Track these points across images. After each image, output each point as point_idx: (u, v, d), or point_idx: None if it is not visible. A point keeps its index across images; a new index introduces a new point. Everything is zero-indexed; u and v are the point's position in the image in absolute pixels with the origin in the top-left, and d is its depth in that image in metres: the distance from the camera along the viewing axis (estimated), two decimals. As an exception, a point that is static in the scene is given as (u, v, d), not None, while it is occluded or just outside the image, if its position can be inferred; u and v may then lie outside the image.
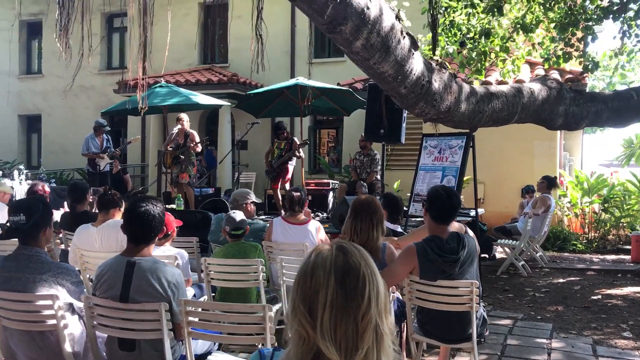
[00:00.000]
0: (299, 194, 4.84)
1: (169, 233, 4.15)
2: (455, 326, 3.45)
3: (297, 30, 14.98)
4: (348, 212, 3.61)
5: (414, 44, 4.07)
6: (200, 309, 2.78)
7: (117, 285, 2.75)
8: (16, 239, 2.93)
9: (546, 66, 9.34)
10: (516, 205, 10.59)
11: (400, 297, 3.84)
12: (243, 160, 14.71)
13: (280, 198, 9.07)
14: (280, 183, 9.29)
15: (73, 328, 2.91)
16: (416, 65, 4.18)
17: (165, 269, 2.80)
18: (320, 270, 1.28)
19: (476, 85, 5.83)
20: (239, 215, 4.19)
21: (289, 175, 9.39)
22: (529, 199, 8.80)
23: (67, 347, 2.85)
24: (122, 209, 4.39)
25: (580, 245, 9.88)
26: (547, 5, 8.47)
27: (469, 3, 8.12)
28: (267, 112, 11.21)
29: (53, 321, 2.82)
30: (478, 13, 8.32)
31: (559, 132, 11.23)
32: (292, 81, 10.04)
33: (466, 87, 4.95)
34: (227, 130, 14.17)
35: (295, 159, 9.45)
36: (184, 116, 9.12)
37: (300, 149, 9.28)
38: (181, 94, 10.29)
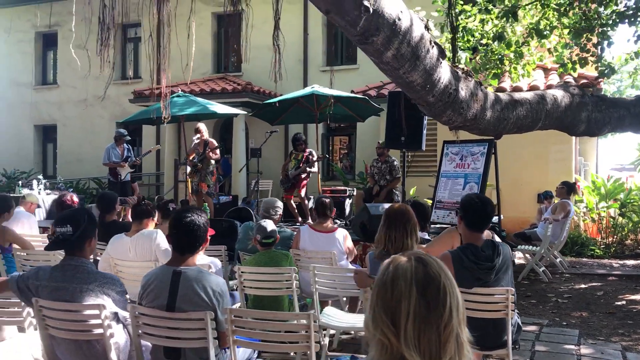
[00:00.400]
0: (329, 200, 4.89)
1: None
2: (491, 333, 3.47)
3: (309, 39, 15.07)
4: (381, 220, 3.65)
5: (442, 53, 4.12)
6: (246, 317, 2.82)
7: (163, 294, 2.80)
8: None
9: (560, 71, 9.35)
10: (532, 210, 10.59)
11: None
12: (256, 168, 14.83)
13: (294, 207, 9.12)
14: (295, 192, 9.30)
15: (118, 337, 2.96)
16: (444, 73, 4.23)
17: (210, 277, 2.85)
18: (401, 281, 1.33)
19: (499, 92, 5.86)
20: (269, 224, 4.24)
21: (304, 187, 9.40)
22: (548, 204, 8.80)
23: (113, 356, 2.91)
24: (156, 219, 4.46)
25: (598, 251, 9.85)
26: (562, 11, 8.50)
27: (484, 8, 8.17)
28: (282, 120, 11.28)
29: (100, 330, 2.87)
30: (492, 19, 8.36)
31: (574, 136, 11.23)
32: (308, 89, 10.11)
33: (491, 95, 4.99)
34: (241, 139, 14.26)
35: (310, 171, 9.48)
36: (202, 126, 9.22)
37: (316, 164, 9.30)
38: (198, 103, 10.39)
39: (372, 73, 14.34)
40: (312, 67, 15.10)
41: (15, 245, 4.88)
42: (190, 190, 10.04)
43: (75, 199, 5.32)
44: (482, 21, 8.38)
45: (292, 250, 4.84)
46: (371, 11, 3.37)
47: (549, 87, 10.91)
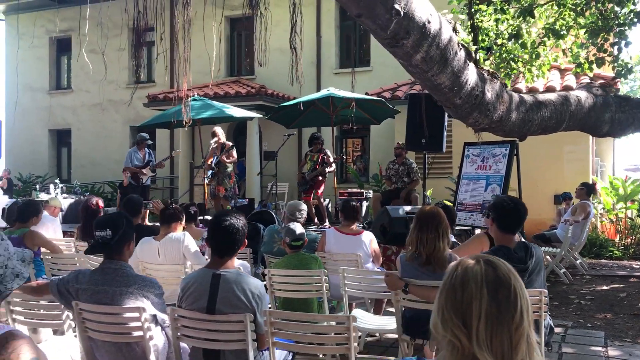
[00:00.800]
0: (356, 203, 4.91)
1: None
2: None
3: (322, 42, 15.10)
4: (413, 222, 3.66)
5: (469, 55, 4.13)
6: (285, 320, 2.84)
7: (203, 297, 2.82)
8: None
9: (576, 71, 9.31)
10: (548, 212, 10.54)
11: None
12: (271, 171, 14.89)
13: (312, 209, 9.12)
14: (312, 195, 9.32)
15: (157, 339, 2.99)
16: (471, 76, 4.24)
17: (249, 280, 2.87)
18: (471, 283, 1.34)
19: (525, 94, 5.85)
20: (298, 227, 4.26)
21: (322, 189, 9.40)
22: (567, 206, 8.76)
23: (152, 358, 2.93)
24: (183, 222, 4.49)
25: (616, 252, 9.79)
26: (578, 11, 8.47)
27: (499, 8, 8.15)
28: (298, 123, 11.30)
29: (140, 333, 2.90)
30: (507, 19, 8.34)
31: (590, 137, 11.17)
32: (324, 92, 10.13)
33: (516, 97, 4.99)
34: (255, 141, 14.31)
35: (328, 171, 9.50)
36: (218, 130, 9.26)
37: (333, 164, 9.31)
38: (214, 106, 10.44)
39: (386, 75, 14.48)
40: (325, 70, 15.14)
41: (43, 249, 4.93)
42: (207, 194, 10.10)
43: (101, 203, 5.36)
44: (496, 21, 8.37)
45: (317, 252, 4.86)
46: (402, 14, 3.39)
47: (565, 87, 10.88)
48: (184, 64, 6.00)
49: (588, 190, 8.18)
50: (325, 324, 3.30)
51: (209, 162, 9.35)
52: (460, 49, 4.00)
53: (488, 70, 4.65)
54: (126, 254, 3.03)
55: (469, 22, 5.62)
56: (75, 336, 3.20)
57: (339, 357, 4.10)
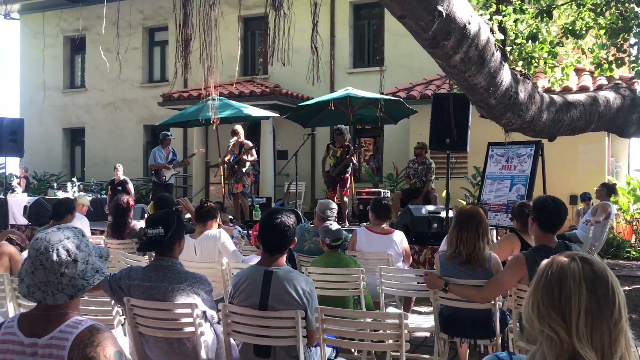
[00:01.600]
0: (385, 203, 4.95)
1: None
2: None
3: (336, 41, 15.14)
4: (452, 222, 3.70)
5: (504, 56, 4.16)
6: (334, 316, 2.89)
7: (255, 293, 2.87)
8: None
9: (596, 73, 9.31)
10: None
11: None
12: (284, 170, 14.94)
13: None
14: (337, 192, 9.33)
15: (207, 335, 3.04)
16: (505, 76, 4.27)
17: (299, 277, 2.92)
18: (569, 280, 1.38)
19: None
20: (335, 226, 4.31)
21: (348, 185, 9.39)
22: (586, 206, 8.77)
23: (203, 354, 2.98)
24: (219, 220, 4.54)
25: (634, 252, 9.79)
26: (598, 11, 8.46)
27: (518, 8, 8.15)
28: (315, 122, 11.35)
29: (191, 328, 2.95)
30: (526, 19, 8.34)
31: (606, 137, 11.17)
32: (342, 91, 10.17)
33: (546, 97, 5.02)
34: (269, 141, 14.37)
35: (351, 167, 9.52)
36: (239, 128, 9.32)
37: (354, 158, 9.34)
38: (233, 106, 10.50)
39: (399, 75, 14.50)
40: (339, 69, 15.17)
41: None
42: (223, 192, 10.16)
43: (132, 201, 5.42)
44: (515, 21, 8.37)
45: (347, 251, 4.90)
46: (444, 16, 3.42)
47: (582, 88, 10.89)
48: (211, 63, 6.01)
49: (608, 190, 8.19)
50: (364, 320, 3.35)
51: (226, 160, 9.40)
52: (497, 49, 4.04)
53: (520, 71, 4.68)
54: (177, 251, 3.08)
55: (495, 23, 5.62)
56: (125, 332, 3.26)
57: (374, 355, 4.15)
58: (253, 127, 15.66)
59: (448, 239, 3.69)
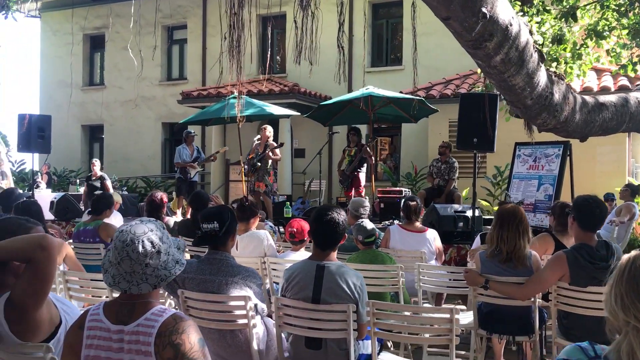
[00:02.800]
0: (415, 202, 5.01)
1: (304, 239, 4.37)
2: (603, 331, 3.54)
3: (354, 40, 15.19)
4: (493, 220, 3.76)
5: (542, 57, 4.22)
6: (386, 310, 2.96)
7: (308, 287, 2.95)
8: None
9: (619, 71, 9.30)
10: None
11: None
12: (300, 168, 15.03)
13: None
14: (353, 191, 9.45)
15: (258, 327, 3.13)
16: (542, 77, 4.33)
17: (350, 272, 3.00)
18: None
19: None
20: (368, 223, 4.39)
21: (362, 185, 9.53)
22: (609, 207, 8.78)
23: (255, 346, 3.07)
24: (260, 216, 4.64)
25: (655, 254, 9.76)
26: (621, 12, 8.46)
27: (542, 9, 8.17)
28: (335, 121, 11.42)
29: (244, 321, 3.04)
30: (549, 21, 8.36)
31: (627, 138, 11.15)
32: (363, 90, 10.23)
33: (579, 98, 5.07)
34: (287, 139, 14.44)
35: (365, 166, 9.63)
36: (269, 127, 9.41)
37: (371, 158, 9.43)
38: (255, 105, 10.59)
39: (418, 74, 14.49)
40: (356, 68, 15.22)
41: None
42: (245, 190, 10.26)
43: (165, 198, 5.53)
44: (538, 22, 8.38)
45: (380, 249, 4.97)
46: (488, 17, 3.49)
47: (603, 88, 10.88)
48: (238, 62, 6.04)
49: (632, 191, 8.20)
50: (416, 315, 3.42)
51: (250, 158, 9.50)
52: (535, 51, 4.09)
53: (555, 72, 4.73)
54: (229, 245, 3.17)
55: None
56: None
57: (410, 350, 4.22)
58: (271, 125, 15.75)
59: (489, 237, 3.75)
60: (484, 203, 10.63)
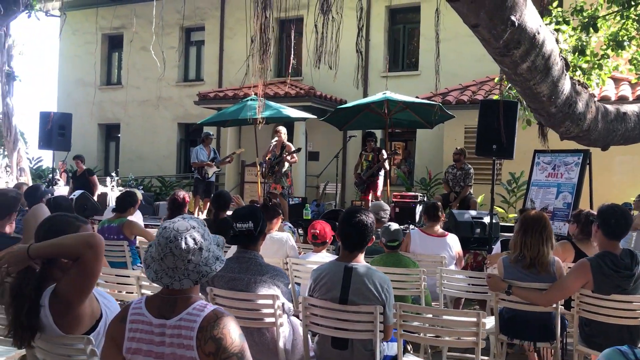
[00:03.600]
0: (438, 205, 5.05)
1: (326, 241, 4.42)
2: (625, 339, 3.56)
3: (370, 45, 15.25)
4: (516, 226, 3.78)
5: (567, 65, 4.24)
6: (412, 313, 3.00)
7: (336, 288, 3.00)
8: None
9: (635, 81, 9.28)
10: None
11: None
12: (314, 171, 15.09)
13: None
14: (370, 195, 9.50)
15: (285, 326, 3.18)
16: (566, 85, 4.35)
17: (377, 274, 3.04)
18: None
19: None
20: (393, 226, 4.42)
21: (380, 189, 9.58)
22: (627, 216, 8.72)
23: (281, 344, 3.12)
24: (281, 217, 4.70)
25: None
26: (642, 20, 8.43)
27: (562, 20, 8.17)
28: (351, 125, 11.47)
29: (271, 319, 3.09)
30: (568, 32, 8.35)
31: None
32: (380, 95, 10.27)
33: (602, 107, 5.09)
34: (302, 142, 14.52)
35: (383, 171, 9.68)
36: (282, 129, 9.48)
37: (386, 162, 9.48)
38: (272, 107, 10.66)
39: (434, 79, 14.49)
40: (372, 73, 15.27)
41: (140, 238, 5.18)
42: (259, 191, 10.35)
43: (187, 197, 5.60)
44: (557, 30, 8.37)
45: (400, 252, 5.00)
46: (516, 25, 3.52)
47: (621, 97, 10.85)
48: (265, 65, 6.09)
49: (648, 201, 8.13)
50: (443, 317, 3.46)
51: (268, 158, 9.57)
52: (561, 59, 4.12)
53: (578, 80, 4.75)
54: (259, 244, 3.23)
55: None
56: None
57: (430, 353, 4.25)
58: (285, 128, 15.83)
59: (512, 243, 3.78)
60: (499, 210, 10.61)
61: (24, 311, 2.20)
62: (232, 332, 1.95)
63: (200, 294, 3.29)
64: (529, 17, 3.64)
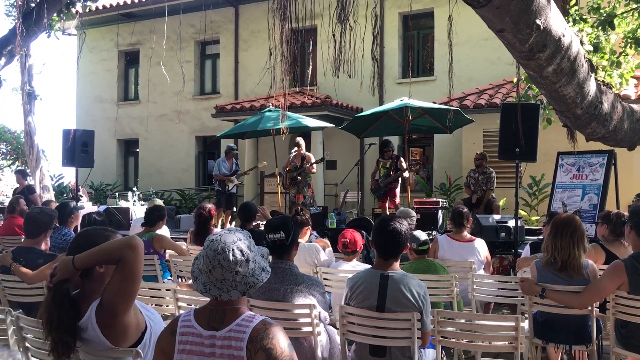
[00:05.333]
0: (466, 210, 5.05)
1: (357, 250, 4.44)
2: (664, 340, 3.53)
3: (385, 52, 15.29)
4: (548, 229, 3.77)
5: (592, 67, 4.24)
6: (449, 319, 3.01)
7: (373, 296, 3.02)
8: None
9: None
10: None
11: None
12: (332, 179, 15.13)
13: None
14: (388, 202, 9.50)
15: (322, 335, 3.20)
16: (592, 87, 4.34)
17: (413, 281, 3.05)
18: None
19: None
20: (421, 233, 4.44)
21: (397, 196, 9.59)
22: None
23: (319, 353, 3.14)
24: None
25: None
26: (660, 17, 8.36)
27: (578, 18, 8.14)
28: (369, 132, 11.50)
29: (309, 328, 3.12)
30: (585, 30, 8.31)
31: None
32: (398, 102, 10.29)
33: (627, 107, 5.07)
34: (319, 151, 14.56)
35: (401, 179, 9.69)
36: (301, 140, 9.54)
37: (407, 172, 9.49)
38: (290, 117, 10.72)
39: (450, 84, 14.49)
40: (388, 79, 15.30)
41: (169, 252, 5.25)
42: (281, 201, 10.40)
43: (214, 210, 5.66)
44: (580, 31, 8.32)
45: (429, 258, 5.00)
46: (542, 29, 3.53)
47: (641, 96, 10.74)
48: (282, 75, 6.15)
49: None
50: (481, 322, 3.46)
51: (287, 169, 9.64)
52: (586, 60, 4.12)
53: (603, 81, 4.74)
54: (293, 254, 3.26)
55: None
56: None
57: (463, 358, 4.24)
58: (303, 137, 15.90)
59: (544, 246, 3.77)
60: (522, 213, 10.54)
61: (60, 325, 2.22)
62: (282, 342, 1.98)
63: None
64: (554, 20, 3.65)
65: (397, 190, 9.69)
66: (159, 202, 7.11)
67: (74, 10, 12.11)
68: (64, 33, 20.02)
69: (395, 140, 12.42)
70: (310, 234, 5.70)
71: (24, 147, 14.22)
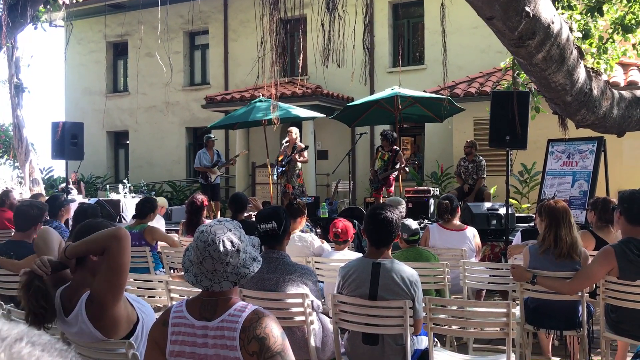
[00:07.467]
0: (446, 202, 5.08)
1: (348, 239, 4.44)
2: (653, 324, 3.58)
3: (375, 41, 15.24)
4: (546, 220, 3.78)
5: (581, 54, 4.25)
6: (442, 306, 3.02)
7: (365, 284, 3.03)
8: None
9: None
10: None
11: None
12: (324, 169, 15.13)
13: None
14: (383, 191, 9.51)
15: (315, 324, 3.21)
16: (581, 74, 4.36)
17: (404, 268, 3.06)
18: None
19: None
20: (412, 222, 4.45)
21: (392, 187, 9.61)
22: None
23: (312, 342, 3.16)
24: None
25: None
26: (648, 4, 8.39)
27: (567, 4, 8.15)
28: (360, 122, 11.49)
29: (302, 317, 3.13)
30: (574, 16, 8.33)
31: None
32: (389, 91, 10.28)
33: (616, 93, 5.09)
34: (310, 141, 14.53)
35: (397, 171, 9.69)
36: (294, 129, 9.51)
37: (404, 165, 9.50)
38: (280, 107, 10.67)
39: (440, 73, 14.47)
40: (378, 69, 15.25)
41: (161, 243, 5.23)
42: (271, 192, 10.39)
43: (206, 201, 5.64)
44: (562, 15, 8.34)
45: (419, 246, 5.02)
46: (531, 16, 3.53)
47: (630, 83, 10.80)
48: (277, 65, 6.09)
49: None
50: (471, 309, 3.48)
51: (280, 160, 9.62)
52: (575, 47, 4.13)
53: (592, 68, 4.76)
54: (284, 244, 3.26)
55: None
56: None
57: (455, 344, 4.27)
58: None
59: (541, 236, 3.78)
60: (513, 201, 10.60)
61: (36, 296, 2.18)
62: (275, 331, 1.98)
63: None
64: (543, 7, 3.65)
65: (393, 183, 9.67)
66: (163, 200, 7.09)
67: (60, 1, 11.94)
68: (51, 24, 19.80)
69: (386, 129, 12.39)
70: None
71: (13, 141, 14.08)
